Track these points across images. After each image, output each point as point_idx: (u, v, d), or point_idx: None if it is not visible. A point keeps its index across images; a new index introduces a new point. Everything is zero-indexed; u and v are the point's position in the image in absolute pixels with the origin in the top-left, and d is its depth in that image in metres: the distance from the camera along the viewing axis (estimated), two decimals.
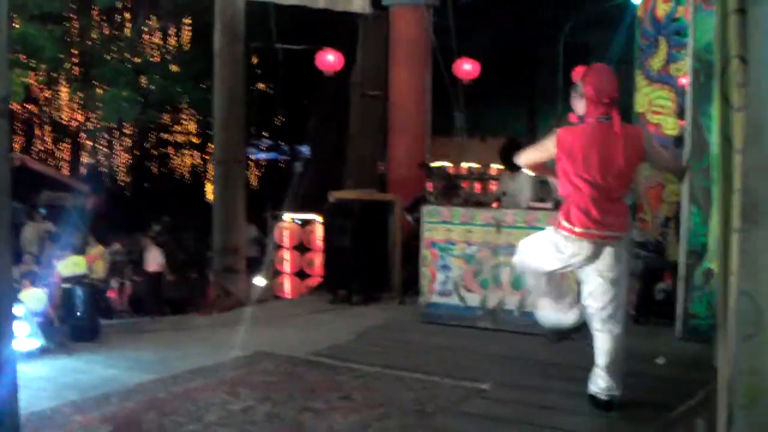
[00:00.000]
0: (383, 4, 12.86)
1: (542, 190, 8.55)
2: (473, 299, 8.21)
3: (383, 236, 10.84)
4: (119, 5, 21.27)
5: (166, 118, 24.53)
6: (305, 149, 21.15)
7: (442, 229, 8.36)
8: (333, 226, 10.78)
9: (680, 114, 8.59)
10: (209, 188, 25.15)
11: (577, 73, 5.30)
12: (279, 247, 12.92)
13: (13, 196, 3.38)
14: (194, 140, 27.29)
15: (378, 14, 13.09)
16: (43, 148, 26.56)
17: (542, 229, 5.82)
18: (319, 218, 12.22)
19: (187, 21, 23.12)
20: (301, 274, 12.82)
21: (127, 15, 22.20)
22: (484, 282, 8.14)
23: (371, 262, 10.55)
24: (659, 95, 9.06)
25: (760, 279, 2.97)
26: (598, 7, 17.29)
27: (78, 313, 8.73)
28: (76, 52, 21.18)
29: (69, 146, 26.70)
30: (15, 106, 22.62)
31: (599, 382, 5.35)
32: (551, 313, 5.69)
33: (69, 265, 11.27)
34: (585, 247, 5.16)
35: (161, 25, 23.27)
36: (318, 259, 12.25)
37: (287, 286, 12.86)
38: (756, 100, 2.98)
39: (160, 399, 5.84)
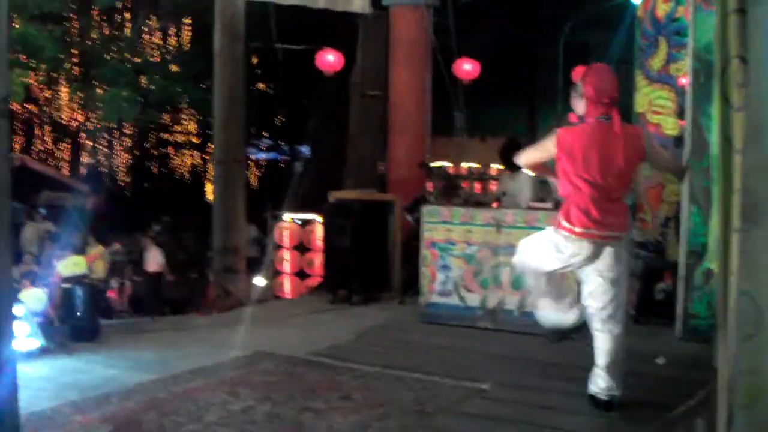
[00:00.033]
0: (383, 4, 12.85)
1: (542, 190, 8.55)
2: (473, 299, 8.21)
3: (383, 236, 10.84)
4: (119, 5, 21.27)
5: (166, 118, 24.53)
6: (305, 149, 21.15)
7: (442, 229, 8.36)
8: (333, 226, 10.78)
9: (680, 114, 8.59)
10: (209, 188, 25.15)
11: (577, 73, 5.31)
12: (279, 247, 12.92)
13: (13, 196, 3.38)
14: (194, 140, 27.30)
15: (378, 14, 13.08)
16: (43, 148, 26.56)
17: (542, 229, 5.82)
18: (319, 218, 12.22)
19: (187, 21, 23.13)
20: (301, 274, 12.83)
21: (127, 15, 22.21)
22: (484, 282, 8.14)
23: (371, 262, 10.55)
24: (659, 95, 9.06)
25: (760, 279, 2.97)
26: (598, 7, 17.29)
27: (78, 313, 8.73)
28: (76, 52, 21.18)
29: (69, 146, 26.71)
30: (15, 106, 22.63)
31: (599, 382, 5.34)
32: (551, 313, 5.69)
33: (69, 265, 11.27)
34: (585, 247, 5.16)
35: (161, 25, 23.27)
36: (318, 259, 12.25)
37: (287, 286, 12.86)
38: (756, 100, 2.98)
39: (160, 399, 5.84)
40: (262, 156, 27.03)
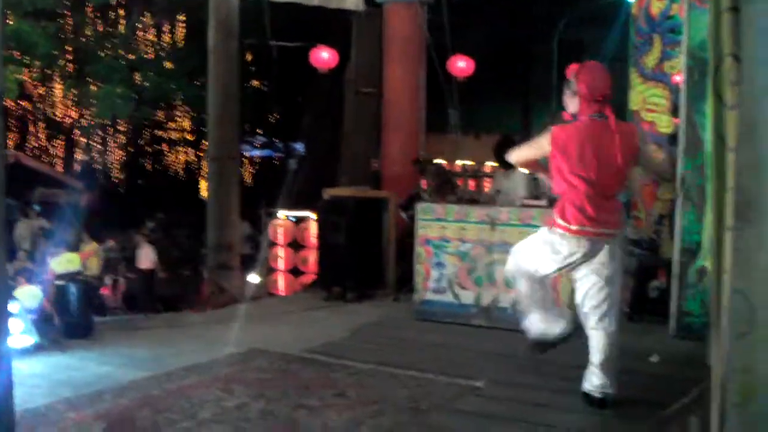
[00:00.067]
0: (377, 1, 12.85)
1: (537, 187, 8.56)
2: (467, 296, 8.21)
3: (377, 233, 10.84)
4: (113, 2, 21.28)
5: (160, 115, 24.53)
6: (299, 146, 21.18)
7: (437, 227, 8.36)
8: (327, 223, 10.79)
9: (674, 112, 8.59)
10: (203, 185, 25.17)
11: (571, 70, 5.29)
12: (273, 244, 12.93)
13: (7, 194, 3.37)
14: (188, 137, 27.33)
15: (371, 11, 13.08)
16: (37, 145, 26.53)
17: (537, 226, 5.81)
18: (313, 215, 12.23)
19: (182, 18, 23.12)
20: (295, 271, 12.84)
21: (121, 12, 22.22)
22: (478, 279, 8.15)
23: (365, 259, 10.55)
24: (653, 93, 9.05)
25: (754, 277, 2.97)
26: (592, 5, 17.32)
27: (72, 310, 8.72)
28: (70, 48, 21.16)
29: (63, 143, 26.68)
30: (9, 103, 22.63)
31: (593, 380, 5.35)
32: (539, 323, 5.62)
33: (63, 262, 11.21)
34: (581, 245, 5.14)
35: (155, 22, 23.27)
36: (312, 257, 12.27)
37: (281, 283, 12.87)
38: (749, 98, 2.98)
39: (153, 396, 5.84)
40: (257, 153, 27.04)
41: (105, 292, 14.47)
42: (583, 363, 5.43)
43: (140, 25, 22.97)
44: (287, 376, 6.39)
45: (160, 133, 27.13)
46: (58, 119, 25.92)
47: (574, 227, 5.12)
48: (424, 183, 10.76)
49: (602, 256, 5.20)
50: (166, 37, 24.20)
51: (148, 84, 20.41)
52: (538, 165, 5.65)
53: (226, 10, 12.54)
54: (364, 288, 10.30)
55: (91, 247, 14.17)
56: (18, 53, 18.04)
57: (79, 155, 26.69)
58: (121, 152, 27.31)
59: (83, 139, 26.28)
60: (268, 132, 25.55)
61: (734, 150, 3.02)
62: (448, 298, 8.30)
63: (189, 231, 18.20)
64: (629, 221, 8.64)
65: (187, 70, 20.02)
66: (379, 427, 5.12)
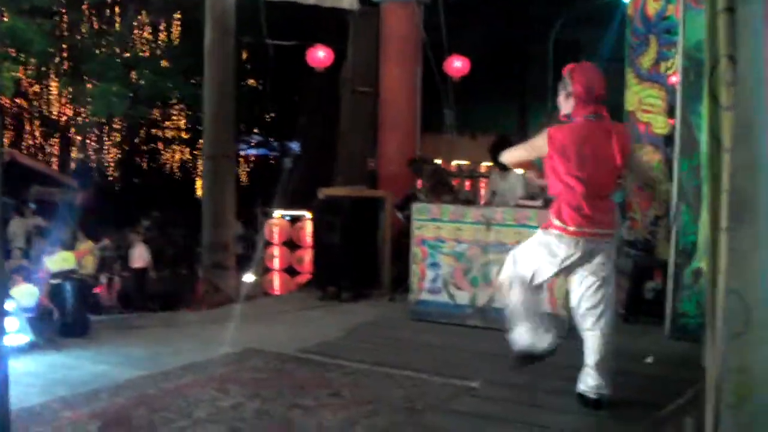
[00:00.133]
0: (374, 0, 12.84)
1: (533, 188, 8.56)
2: (463, 297, 8.21)
3: (373, 233, 10.84)
4: (109, 0, 21.22)
5: (155, 113, 24.47)
6: (295, 145, 21.15)
7: (432, 227, 8.37)
8: (323, 223, 10.79)
9: (670, 112, 8.61)
10: (199, 184, 25.13)
11: (566, 70, 5.28)
12: (268, 243, 12.91)
13: (3, 192, 3.37)
14: (184, 135, 27.25)
15: (368, 10, 13.07)
16: (32, 143, 26.46)
17: (532, 227, 5.81)
18: (308, 215, 12.21)
19: (177, 16, 23.08)
20: (290, 271, 12.81)
21: (117, 9, 22.15)
22: (473, 280, 8.15)
23: (361, 259, 10.55)
24: (649, 93, 9.06)
25: (748, 277, 2.98)
26: (588, 5, 17.32)
27: (67, 309, 8.71)
28: (66, 46, 21.15)
29: (58, 141, 26.61)
30: (4, 101, 22.58)
31: (588, 381, 5.35)
32: (527, 336, 5.55)
33: (58, 261, 11.20)
34: (579, 246, 5.14)
35: (151, 20, 23.23)
36: (307, 256, 12.25)
37: (276, 282, 12.85)
38: (744, 99, 2.99)
39: (149, 395, 5.84)
40: (252, 152, 27.00)
41: (100, 290, 14.44)
42: (578, 364, 5.43)
43: (136, 23, 22.93)
44: (282, 375, 6.39)
45: (155, 131, 27.06)
46: (53, 117, 25.85)
47: (571, 228, 5.12)
48: (419, 183, 10.77)
49: (600, 257, 5.20)
50: (162, 35, 24.16)
51: (143, 82, 20.37)
52: (532, 166, 5.65)
53: (222, 9, 12.52)
54: (359, 288, 10.31)
55: (86, 245, 14.16)
56: (13, 51, 18.01)
57: (74, 153, 26.62)
58: (116, 150, 27.22)
59: (79, 137, 26.22)
60: (263, 131, 25.52)
61: (729, 151, 3.02)
62: (443, 298, 8.31)
63: (184, 230, 18.19)
64: (625, 222, 8.66)
65: (183, 68, 19.98)
66: (374, 427, 5.12)
